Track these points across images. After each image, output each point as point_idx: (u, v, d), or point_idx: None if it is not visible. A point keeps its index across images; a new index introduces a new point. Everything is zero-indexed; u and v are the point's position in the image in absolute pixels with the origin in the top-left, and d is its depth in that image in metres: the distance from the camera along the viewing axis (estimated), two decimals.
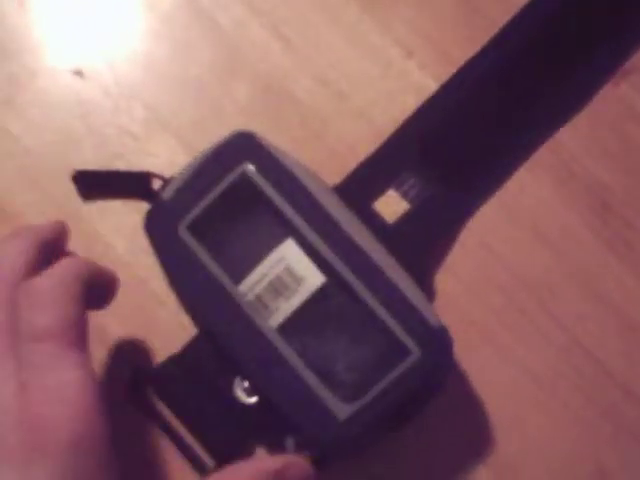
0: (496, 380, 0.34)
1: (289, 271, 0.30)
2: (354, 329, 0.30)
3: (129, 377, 0.33)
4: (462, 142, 0.36)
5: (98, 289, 0.29)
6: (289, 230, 0.31)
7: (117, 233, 0.35)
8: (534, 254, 0.35)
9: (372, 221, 0.34)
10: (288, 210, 0.31)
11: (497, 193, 0.36)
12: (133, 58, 0.37)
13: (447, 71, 0.36)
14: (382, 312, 0.30)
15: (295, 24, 0.37)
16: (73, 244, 0.31)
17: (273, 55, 0.37)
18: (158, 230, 0.32)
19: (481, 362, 0.34)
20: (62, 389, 0.25)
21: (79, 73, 0.37)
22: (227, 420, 0.32)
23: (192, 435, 0.32)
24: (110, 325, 0.33)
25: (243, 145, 0.32)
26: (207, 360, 0.32)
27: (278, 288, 0.30)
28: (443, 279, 0.35)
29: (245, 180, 0.31)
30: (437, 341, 0.30)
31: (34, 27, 0.38)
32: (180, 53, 0.37)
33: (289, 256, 0.31)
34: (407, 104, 0.36)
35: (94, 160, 0.36)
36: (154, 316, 0.34)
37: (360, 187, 0.35)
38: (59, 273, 0.27)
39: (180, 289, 0.32)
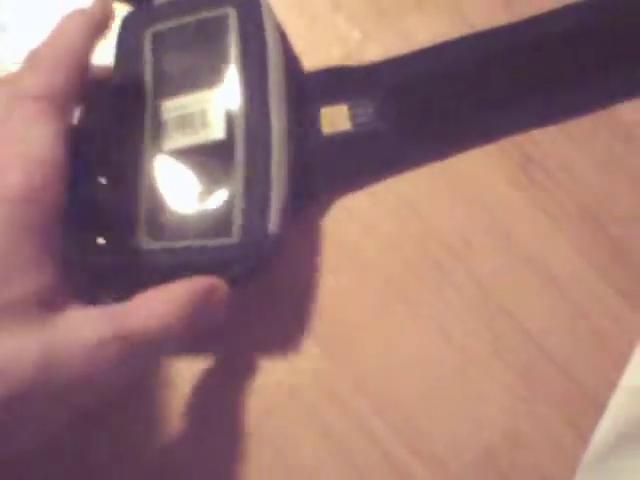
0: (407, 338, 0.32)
1: (203, 114, 0.31)
2: (210, 186, 0.30)
3: None
4: (426, 100, 0.35)
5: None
6: (226, 81, 0.31)
7: None
8: (452, 208, 0.34)
9: (311, 122, 0.34)
10: (239, 65, 0.31)
11: None
12: None
13: (375, 25, 0.35)
14: (239, 188, 0.30)
15: None
16: None
17: None
18: (130, 26, 0.33)
19: (393, 318, 0.32)
20: (28, 140, 0.25)
21: None
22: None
23: None
24: None
25: None
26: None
27: (185, 123, 0.31)
28: (356, 230, 0.33)
29: (222, 20, 0.32)
30: (259, 244, 0.30)
31: None
32: None
33: (211, 102, 0.31)
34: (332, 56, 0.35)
35: None
36: None
37: (320, 86, 0.35)
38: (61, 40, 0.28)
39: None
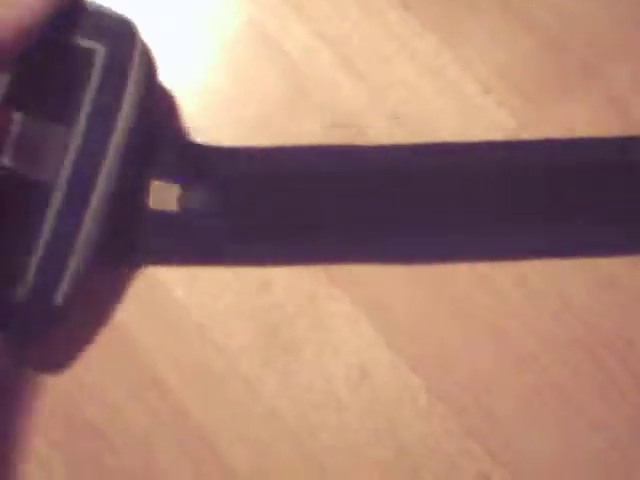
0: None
1: (37, 146, 0.29)
2: (15, 227, 0.28)
3: None
4: (271, 202, 0.33)
5: None
6: (69, 121, 0.29)
7: None
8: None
9: (139, 190, 0.31)
10: (87, 110, 0.29)
11: None
12: (193, 88, 0.34)
13: (525, 109, 0.33)
14: (45, 241, 0.28)
15: (367, 56, 0.34)
16: None
17: (343, 89, 0.34)
18: None
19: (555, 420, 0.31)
20: None
21: None
22: None
23: None
24: None
25: (119, 29, 0.30)
26: None
27: (22, 146, 0.29)
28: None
29: (88, 56, 0.29)
30: (43, 313, 0.29)
31: None
32: (243, 85, 0.34)
33: (48, 137, 0.29)
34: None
35: None
36: None
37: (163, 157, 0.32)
38: None
39: None
